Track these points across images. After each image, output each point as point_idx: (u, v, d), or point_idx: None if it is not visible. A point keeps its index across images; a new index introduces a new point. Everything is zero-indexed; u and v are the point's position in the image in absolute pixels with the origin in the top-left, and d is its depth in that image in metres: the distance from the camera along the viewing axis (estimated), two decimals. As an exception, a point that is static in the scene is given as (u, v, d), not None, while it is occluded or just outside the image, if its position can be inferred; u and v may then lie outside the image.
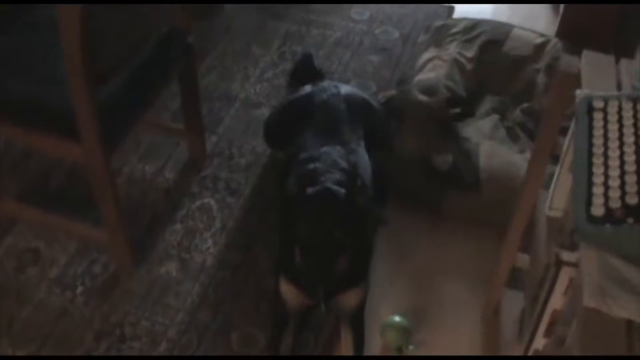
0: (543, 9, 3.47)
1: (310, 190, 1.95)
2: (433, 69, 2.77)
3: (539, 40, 2.89)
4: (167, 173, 2.60)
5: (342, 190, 1.96)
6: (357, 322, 2.09)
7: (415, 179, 2.48)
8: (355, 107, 2.43)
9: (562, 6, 3.20)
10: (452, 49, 2.85)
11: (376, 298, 2.19)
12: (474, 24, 2.97)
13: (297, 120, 2.39)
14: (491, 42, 2.87)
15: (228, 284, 2.28)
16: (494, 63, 2.83)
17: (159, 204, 2.50)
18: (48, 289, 2.24)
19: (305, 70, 2.82)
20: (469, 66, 2.79)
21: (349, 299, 2.05)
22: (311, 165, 2.14)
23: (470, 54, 2.83)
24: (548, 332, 1.46)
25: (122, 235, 2.19)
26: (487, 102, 2.75)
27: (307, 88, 2.51)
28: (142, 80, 2.11)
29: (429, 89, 2.64)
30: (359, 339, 2.07)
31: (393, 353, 2.10)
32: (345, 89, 2.50)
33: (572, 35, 2.99)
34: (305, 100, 2.45)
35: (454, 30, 2.96)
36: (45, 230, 2.38)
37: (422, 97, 2.59)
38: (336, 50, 3.14)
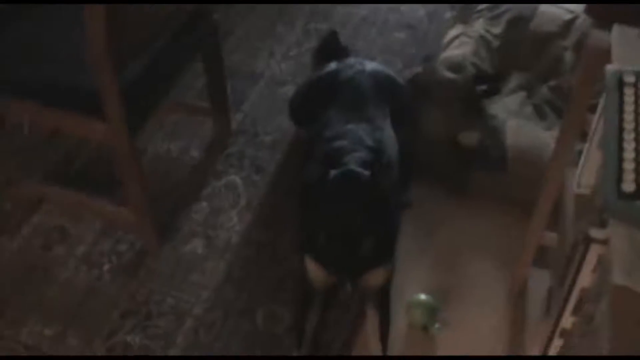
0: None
1: (333, 172, 1.93)
2: (459, 46, 2.73)
3: (568, 16, 2.84)
4: (192, 151, 2.60)
5: (366, 173, 1.93)
6: (384, 301, 2.07)
7: (441, 156, 2.47)
8: (380, 84, 2.40)
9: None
10: (478, 26, 2.81)
11: (402, 277, 2.18)
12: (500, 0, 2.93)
13: (323, 98, 2.37)
14: (518, 18, 2.82)
15: (253, 261, 2.28)
16: (521, 40, 2.78)
17: (184, 182, 2.51)
18: (75, 267, 2.26)
19: (331, 48, 2.79)
20: (495, 43, 2.75)
21: (375, 278, 2.03)
22: (337, 143, 2.13)
23: (496, 30, 2.79)
24: (576, 311, 1.44)
25: (148, 214, 2.21)
26: (514, 79, 2.71)
27: (333, 65, 2.49)
28: (166, 59, 2.11)
29: (455, 66, 2.61)
30: (385, 318, 2.06)
31: (419, 331, 2.09)
32: (370, 65, 2.47)
33: (601, 11, 2.94)
34: (331, 77, 2.43)
35: (481, 6, 2.92)
36: (71, 209, 2.39)
37: (448, 74, 2.56)
38: (362, 28, 3.12)
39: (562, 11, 2.88)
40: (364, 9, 3.22)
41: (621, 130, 1.30)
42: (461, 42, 2.76)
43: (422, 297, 2.12)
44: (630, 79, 1.39)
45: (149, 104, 2.06)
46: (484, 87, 2.59)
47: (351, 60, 2.51)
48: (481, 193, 2.44)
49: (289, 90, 2.75)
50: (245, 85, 2.84)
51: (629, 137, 1.28)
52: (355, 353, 2.08)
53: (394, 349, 2.05)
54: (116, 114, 1.91)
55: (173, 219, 2.38)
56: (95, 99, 1.88)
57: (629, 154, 1.25)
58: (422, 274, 2.25)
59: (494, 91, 2.62)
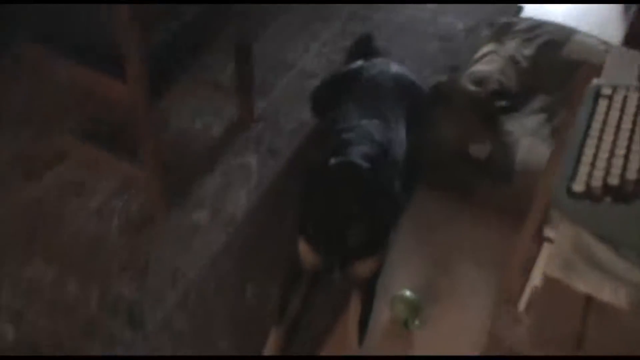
0: (615, 18, 3.42)
1: (333, 161, 2.01)
2: (488, 63, 2.78)
3: (601, 47, 2.87)
4: (214, 129, 2.70)
5: (366, 165, 2.00)
6: (369, 292, 2.12)
7: (451, 164, 2.51)
8: (402, 87, 2.46)
9: (632, 14, 3.15)
10: (510, 46, 2.86)
11: (391, 271, 2.23)
12: (538, 24, 2.96)
13: (343, 92, 2.44)
14: (551, 43, 2.86)
15: (253, 239, 2.36)
16: (550, 64, 2.82)
17: (201, 155, 2.61)
18: (86, 218, 2.37)
19: (364, 48, 2.86)
20: (524, 64, 2.79)
21: (364, 267, 2.08)
22: (346, 135, 2.19)
23: (528, 52, 2.84)
24: (528, 309, 1.48)
25: (160, 177, 2.31)
26: (538, 101, 2.74)
27: (359, 62, 2.57)
28: (192, 32, 2.20)
29: (479, 80, 2.66)
30: (368, 308, 2.11)
31: (398, 326, 2.14)
32: (395, 67, 2.53)
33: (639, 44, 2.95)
34: (355, 74, 2.51)
35: (517, 28, 2.96)
36: (91, 165, 2.51)
37: (470, 87, 2.62)
38: (397, 35, 3.17)
39: (597, 42, 2.91)
40: (402, 17, 3.28)
41: (586, 136, 1.36)
42: (491, 59, 2.81)
43: (407, 293, 2.17)
44: (607, 91, 1.45)
45: (171, 72, 2.16)
46: (503, 103, 2.63)
47: (378, 60, 2.58)
48: (484, 202, 2.47)
49: (316, 84, 2.82)
50: (275, 75, 2.93)
51: (591, 142, 1.34)
52: (332, 339, 2.13)
53: (371, 340, 2.11)
54: (137, 76, 2.01)
55: (185, 187, 2.48)
56: (119, 60, 1.99)
57: (587, 158, 1.31)
58: (411, 271, 2.29)
59: (513, 109, 2.66)
